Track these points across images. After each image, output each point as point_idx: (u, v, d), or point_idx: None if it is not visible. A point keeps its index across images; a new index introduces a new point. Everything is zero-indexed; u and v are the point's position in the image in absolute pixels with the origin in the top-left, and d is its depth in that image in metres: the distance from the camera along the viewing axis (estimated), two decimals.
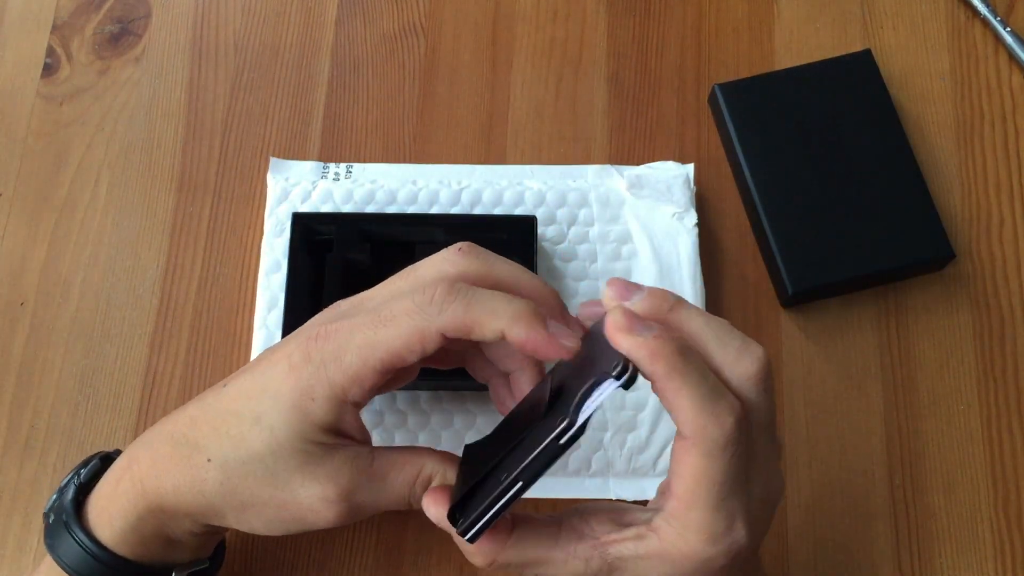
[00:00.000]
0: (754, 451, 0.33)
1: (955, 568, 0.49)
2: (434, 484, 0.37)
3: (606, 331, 0.32)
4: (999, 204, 0.56)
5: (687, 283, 0.52)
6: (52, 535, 0.39)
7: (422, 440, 0.49)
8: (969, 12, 0.60)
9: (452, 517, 0.35)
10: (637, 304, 0.34)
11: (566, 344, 0.34)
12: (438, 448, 0.49)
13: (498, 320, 0.34)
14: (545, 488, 0.49)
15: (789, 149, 0.54)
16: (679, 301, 0.34)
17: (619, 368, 0.32)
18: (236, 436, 0.36)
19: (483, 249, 0.38)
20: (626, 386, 0.32)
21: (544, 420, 0.34)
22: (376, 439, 0.49)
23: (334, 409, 0.35)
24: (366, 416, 0.49)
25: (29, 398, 0.52)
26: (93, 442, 0.51)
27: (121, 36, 0.60)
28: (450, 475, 0.37)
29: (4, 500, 0.50)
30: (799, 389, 0.52)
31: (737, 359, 0.33)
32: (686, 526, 0.33)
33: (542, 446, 0.32)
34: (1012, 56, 0.59)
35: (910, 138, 0.56)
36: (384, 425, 0.49)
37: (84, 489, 0.40)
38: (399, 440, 0.49)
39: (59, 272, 0.54)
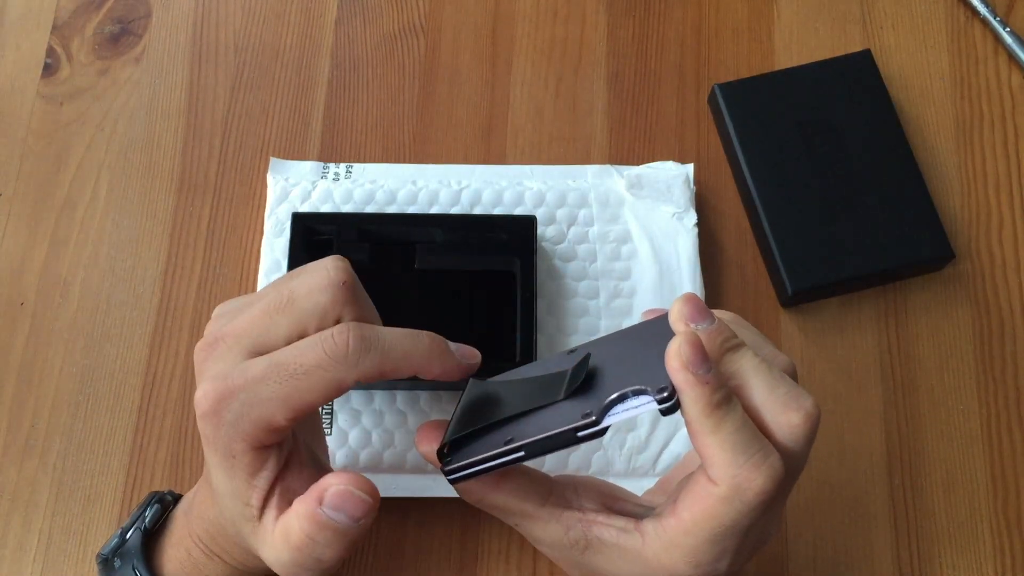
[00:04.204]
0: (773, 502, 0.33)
1: (954, 568, 0.49)
2: (295, 537, 0.34)
3: (666, 354, 0.31)
4: (999, 204, 0.56)
5: (687, 283, 0.52)
6: None
7: None
8: (969, 12, 0.60)
9: (440, 453, 0.35)
10: (701, 333, 0.33)
11: (473, 363, 0.37)
12: None
13: (412, 362, 0.35)
14: None
15: (789, 149, 0.54)
16: (738, 340, 0.34)
17: (666, 394, 0.31)
18: (222, 509, 0.37)
19: (359, 283, 0.37)
20: (665, 413, 0.32)
21: (568, 401, 0.33)
22: (376, 439, 0.49)
23: (254, 460, 0.34)
24: (368, 417, 0.49)
25: (29, 398, 0.52)
26: (93, 442, 0.51)
27: (121, 36, 0.60)
28: (296, 520, 0.35)
29: (4, 500, 0.50)
30: None
31: (782, 408, 0.33)
32: (674, 544, 0.33)
33: (558, 430, 0.32)
34: (1012, 56, 0.59)
35: (910, 138, 0.56)
36: (384, 426, 0.49)
37: (148, 535, 0.42)
38: (398, 440, 0.49)
39: (59, 272, 0.54)
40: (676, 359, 0.31)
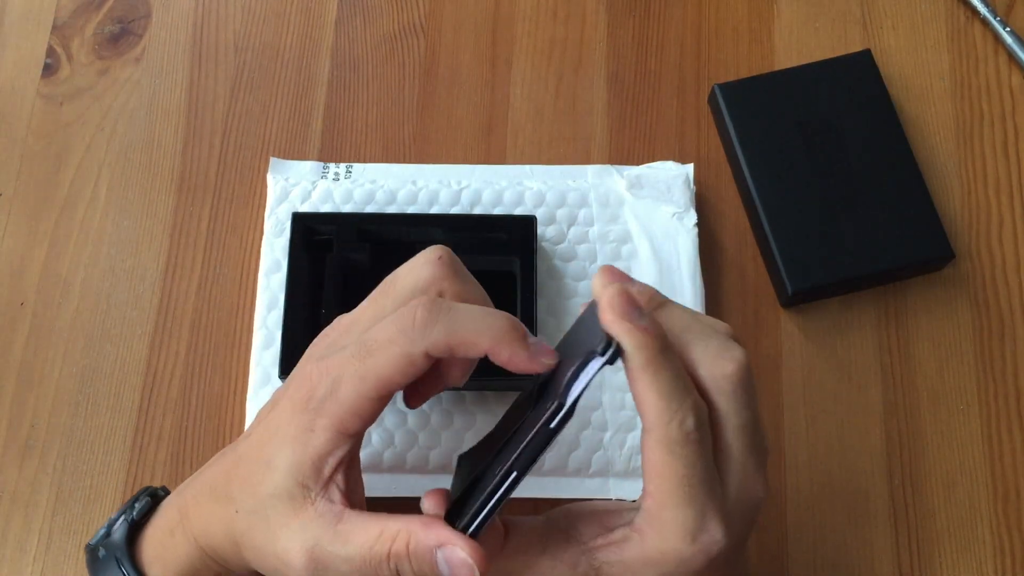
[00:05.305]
0: (726, 450, 0.33)
1: (954, 568, 0.49)
2: (396, 544, 0.34)
3: (600, 309, 0.32)
4: (999, 204, 0.56)
5: (687, 283, 0.52)
6: (100, 570, 0.40)
7: (422, 440, 0.49)
8: (969, 12, 0.60)
9: (448, 519, 0.35)
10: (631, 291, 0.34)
11: (545, 361, 0.34)
12: (438, 447, 0.49)
13: (482, 339, 0.34)
14: (545, 488, 0.49)
15: (789, 149, 0.54)
16: (664, 298, 0.35)
17: (603, 344, 0.32)
18: (254, 483, 0.36)
19: (459, 261, 0.38)
20: (611, 361, 0.32)
21: (533, 410, 0.34)
22: (376, 439, 0.49)
23: (332, 440, 0.35)
24: None
25: (29, 398, 0.52)
26: (93, 442, 0.51)
27: (121, 36, 0.60)
28: (415, 535, 0.35)
29: (4, 500, 0.50)
30: (799, 389, 0.52)
31: (715, 358, 0.33)
32: (662, 524, 0.33)
33: (533, 431, 0.33)
34: (1012, 56, 0.59)
35: (910, 138, 0.56)
36: (384, 425, 0.49)
37: (135, 526, 0.41)
38: (399, 439, 0.49)
39: (59, 272, 0.54)
40: (610, 311, 0.32)
